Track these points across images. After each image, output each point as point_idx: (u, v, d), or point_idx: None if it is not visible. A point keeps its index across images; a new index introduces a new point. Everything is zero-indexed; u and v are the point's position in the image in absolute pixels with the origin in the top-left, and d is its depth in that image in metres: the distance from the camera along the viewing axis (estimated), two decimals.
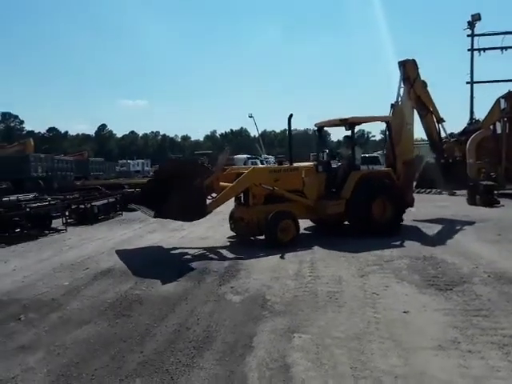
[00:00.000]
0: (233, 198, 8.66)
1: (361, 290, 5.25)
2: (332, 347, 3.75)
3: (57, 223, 11.27)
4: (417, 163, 10.25)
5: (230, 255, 7.40)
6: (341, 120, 9.00)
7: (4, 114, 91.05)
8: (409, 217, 11.02)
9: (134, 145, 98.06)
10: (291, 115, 9.06)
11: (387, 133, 9.66)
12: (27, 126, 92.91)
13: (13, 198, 13.27)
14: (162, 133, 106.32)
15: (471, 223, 9.81)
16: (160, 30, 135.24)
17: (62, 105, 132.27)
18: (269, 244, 7.79)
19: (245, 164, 26.09)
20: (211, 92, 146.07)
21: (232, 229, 8.95)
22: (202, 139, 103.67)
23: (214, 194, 8.17)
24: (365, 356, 3.56)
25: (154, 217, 7.48)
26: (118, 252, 7.89)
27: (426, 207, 12.90)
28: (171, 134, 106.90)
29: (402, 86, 10.27)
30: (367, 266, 6.34)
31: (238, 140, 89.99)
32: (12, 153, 29.90)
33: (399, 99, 10.18)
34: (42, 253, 8.21)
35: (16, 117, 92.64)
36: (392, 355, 3.56)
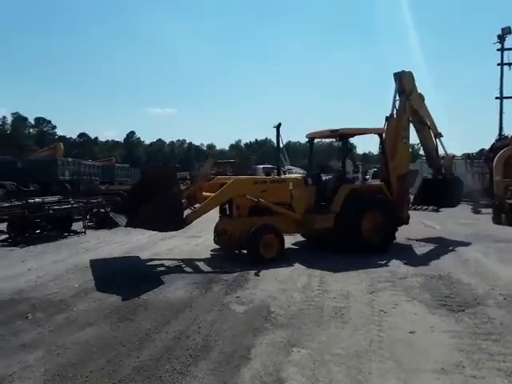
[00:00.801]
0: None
1: (368, 307, 5.12)
2: (330, 364, 3.66)
3: (77, 226, 11.53)
4: (411, 178, 9.74)
5: (242, 264, 7.35)
6: (331, 131, 8.77)
7: (38, 119, 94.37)
8: (430, 234, 10.83)
9: (160, 152, 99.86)
10: (279, 124, 8.83)
11: (380, 146, 9.34)
12: (59, 131, 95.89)
13: (38, 199, 13.70)
14: (188, 141, 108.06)
15: (494, 243, 9.46)
16: (189, 40, 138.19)
17: (93, 111, 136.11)
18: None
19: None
20: (237, 102, 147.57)
21: (215, 242, 8.57)
22: (227, 148, 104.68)
23: (197, 205, 7.90)
24: (362, 375, 3.45)
25: (126, 226, 7.39)
26: (131, 257, 7.99)
27: (448, 224, 12.58)
28: (197, 143, 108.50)
29: (398, 98, 9.93)
30: (378, 283, 6.19)
31: (262, 150, 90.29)
32: (42, 157, 30.98)
33: (394, 112, 9.83)
34: (58, 254, 8.40)
35: (49, 122, 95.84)
36: (390, 376, 3.44)
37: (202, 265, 7.42)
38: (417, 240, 9.97)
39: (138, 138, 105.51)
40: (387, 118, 9.63)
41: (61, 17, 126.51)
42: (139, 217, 6.90)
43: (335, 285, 6.07)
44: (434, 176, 10.91)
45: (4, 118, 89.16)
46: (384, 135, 9.29)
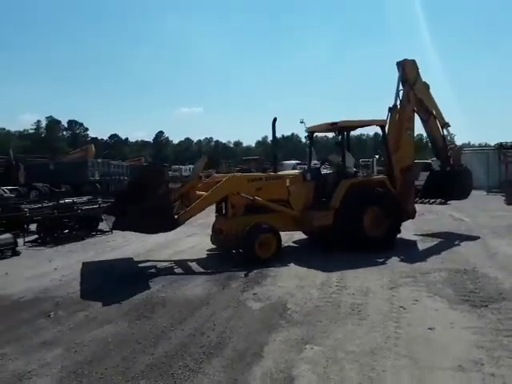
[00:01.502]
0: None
1: (387, 303, 5.01)
2: (343, 361, 3.60)
3: (105, 225, 11.80)
4: (415, 170, 9.27)
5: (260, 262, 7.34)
6: (330, 124, 8.43)
7: (70, 121, 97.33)
8: (458, 227, 10.50)
9: (188, 151, 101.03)
10: (275, 119, 8.48)
11: (382, 138, 9.01)
12: (91, 133, 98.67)
13: (69, 200, 14.14)
14: (215, 139, 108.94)
15: None
16: (215, 39, 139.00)
17: (124, 113, 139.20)
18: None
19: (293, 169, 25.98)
20: (262, 98, 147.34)
21: (212, 241, 8.35)
22: (253, 145, 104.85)
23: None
24: (375, 373, 3.38)
25: (112, 229, 7.15)
26: (152, 255, 8.12)
27: (478, 216, 12.16)
28: (224, 140, 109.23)
29: (401, 88, 9.46)
30: (400, 278, 6.05)
31: (289, 146, 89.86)
32: (74, 158, 31.98)
33: (398, 102, 9.39)
34: (84, 253, 8.63)
35: (81, 124, 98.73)
36: (405, 374, 3.35)
37: (221, 262, 7.44)
38: (443, 233, 9.70)
39: (167, 138, 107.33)
40: (390, 109, 9.23)
41: (89, 21, 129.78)
42: (127, 219, 6.71)
43: (355, 281, 5.96)
44: (442, 168, 10.44)
45: (38, 121, 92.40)
46: (387, 127, 8.94)
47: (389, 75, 9.99)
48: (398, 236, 9.22)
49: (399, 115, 9.21)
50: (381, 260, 7.12)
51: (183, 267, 7.18)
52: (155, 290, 5.81)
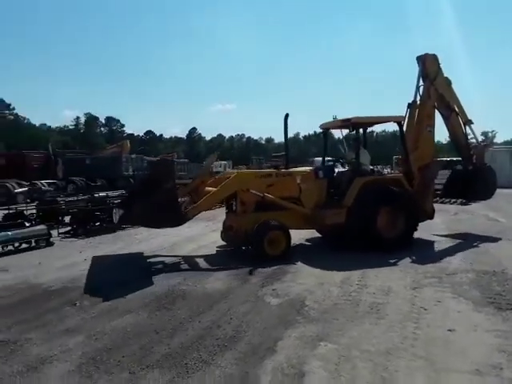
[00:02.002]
0: None
1: (408, 304, 4.90)
2: (356, 360, 3.56)
3: None
4: (433, 169, 8.79)
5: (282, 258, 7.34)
6: (343, 121, 8.22)
7: (108, 118, 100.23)
8: (492, 227, 10.12)
9: (220, 147, 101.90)
10: (287, 115, 8.30)
11: (400, 135, 8.67)
12: (127, 130, 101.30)
13: (102, 194, 14.63)
14: (247, 135, 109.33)
15: None
16: (246, 35, 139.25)
17: (159, 110, 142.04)
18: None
19: None
20: (295, 95, 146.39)
21: (222, 238, 8.25)
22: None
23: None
24: (388, 373, 3.33)
25: (118, 223, 7.19)
26: (175, 249, 8.28)
27: None
28: (256, 137, 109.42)
29: (422, 83, 9.07)
30: (424, 279, 5.90)
31: (321, 142, 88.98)
32: (110, 154, 32.96)
33: (417, 98, 9.00)
34: (113, 245, 8.91)
35: (118, 121, 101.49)
36: (419, 375, 3.28)
37: (243, 257, 7.47)
38: (476, 234, 9.37)
39: (199, 134, 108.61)
40: (409, 105, 8.88)
41: (125, 19, 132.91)
42: (133, 213, 6.78)
43: (376, 280, 5.87)
44: (464, 166, 10.00)
45: (78, 118, 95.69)
46: (406, 123, 8.62)
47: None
48: (426, 235, 9.04)
49: (419, 111, 8.90)
50: (405, 260, 6.97)
51: (205, 262, 7.27)
52: (176, 282, 5.93)
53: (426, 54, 9.13)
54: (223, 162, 41.54)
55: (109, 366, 3.54)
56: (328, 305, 4.92)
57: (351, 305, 4.90)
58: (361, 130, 9.04)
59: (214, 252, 8.02)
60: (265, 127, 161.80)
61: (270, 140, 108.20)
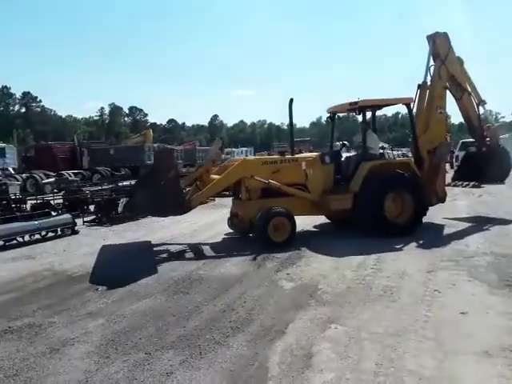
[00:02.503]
0: None
1: (422, 287, 4.90)
2: (365, 341, 3.61)
3: None
4: (442, 151, 8.46)
5: (298, 242, 7.39)
6: (350, 104, 8.01)
7: (131, 108, 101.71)
8: None
9: (242, 133, 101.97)
10: (292, 100, 8.14)
11: (409, 117, 8.42)
12: (150, 119, 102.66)
13: (126, 183, 14.98)
14: (268, 121, 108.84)
15: None
16: (265, 19, 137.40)
17: (181, 98, 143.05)
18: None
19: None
20: (316, 78, 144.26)
21: (228, 225, 8.29)
22: (307, 126, 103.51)
23: None
24: (396, 354, 3.37)
25: (122, 212, 7.30)
26: (195, 236, 8.45)
27: None
28: (277, 122, 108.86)
29: (432, 63, 8.73)
30: (441, 262, 5.86)
31: (344, 126, 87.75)
32: (134, 143, 33.52)
33: (428, 79, 8.67)
34: (136, 232, 9.17)
35: (141, 110, 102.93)
36: (426, 356, 3.31)
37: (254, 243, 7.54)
38: (498, 216, 9.16)
39: (221, 121, 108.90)
40: (419, 86, 8.58)
41: (147, 11, 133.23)
42: (137, 202, 6.91)
43: (392, 264, 5.87)
44: (478, 148, 9.69)
45: (102, 108, 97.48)
46: (415, 105, 8.41)
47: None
48: (446, 218, 8.94)
49: (429, 92, 8.63)
50: (423, 243, 6.93)
51: (222, 247, 7.41)
52: (194, 268, 6.09)
53: (437, 33, 8.82)
54: (244, 149, 41.69)
55: (126, 348, 3.72)
56: (341, 288, 4.97)
57: (364, 288, 4.93)
58: (370, 114, 8.90)
59: (228, 238, 8.13)
60: (286, 112, 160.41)
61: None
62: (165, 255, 7.04)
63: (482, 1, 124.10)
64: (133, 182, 14.65)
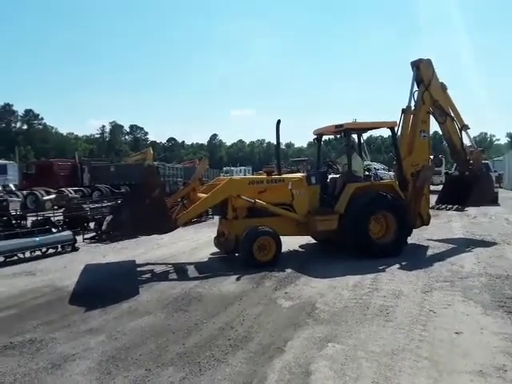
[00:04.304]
0: None
1: (417, 307, 4.98)
2: (362, 360, 3.69)
3: None
4: (425, 173, 8.56)
5: (296, 261, 7.49)
6: (336, 126, 8.17)
7: (132, 126, 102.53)
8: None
9: (241, 152, 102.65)
10: (279, 121, 8.25)
11: (393, 140, 8.67)
12: (151, 137, 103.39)
13: None
14: (267, 140, 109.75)
15: None
16: (266, 40, 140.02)
17: (181, 117, 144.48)
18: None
19: None
20: (314, 99, 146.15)
21: (215, 244, 8.30)
22: (305, 146, 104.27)
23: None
24: (392, 372, 3.44)
25: (106, 231, 7.46)
26: (195, 254, 8.53)
27: None
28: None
29: (416, 89, 9.01)
30: (436, 282, 5.95)
31: (341, 146, 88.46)
32: (134, 161, 33.70)
33: (412, 104, 8.93)
34: (135, 250, 9.23)
35: (142, 129, 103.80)
36: (421, 375, 3.38)
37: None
38: (493, 237, 9.30)
39: (220, 140, 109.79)
40: (404, 111, 8.81)
41: (145, 29, 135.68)
42: (122, 220, 6.87)
43: (388, 283, 5.96)
44: (461, 172, 9.90)
45: (103, 126, 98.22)
46: (400, 129, 8.61)
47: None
48: (441, 239, 9.05)
49: (413, 117, 8.86)
50: (419, 263, 7.01)
51: (220, 265, 7.49)
52: (193, 285, 6.16)
53: (420, 59, 9.08)
54: (243, 168, 41.93)
55: (126, 364, 3.78)
56: (338, 307, 5.05)
57: (361, 307, 5.01)
58: (355, 136, 9.06)
59: (231, 256, 8.20)
60: (285, 132, 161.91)
61: (290, 145, 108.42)
62: (163, 273, 7.11)
63: (482, 26, 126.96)
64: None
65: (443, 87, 9.14)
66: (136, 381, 3.46)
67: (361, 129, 8.98)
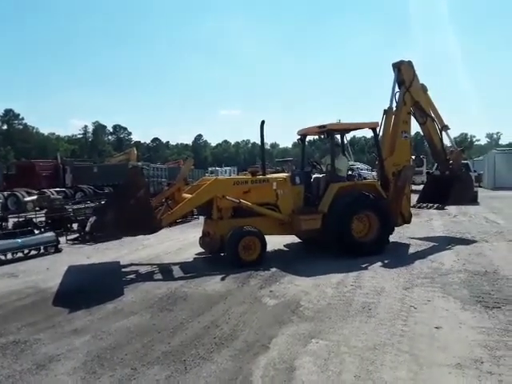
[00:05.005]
0: None
1: (399, 303, 5.10)
2: (344, 355, 3.77)
3: None
4: (406, 173, 8.75)
5: (281, 260, 7.57)
6: (319, 127, 8.30)
7: (115, 126, 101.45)
8: (490, 229, 10.25)
9: (226, 152, 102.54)
10: (263, 122, 8.33)
11: (374, 141, 8.88)
12: (134, 137, 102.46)
13: None
14: (252, 141, 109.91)
15: None
16: (252, 40, 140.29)
17: (165, 117, 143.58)
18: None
19: None
20: (300, 100, 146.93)
21: (200, 244, 8.30)
22: (290, 146, 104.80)
23: None
24: (374, 366, 3.53)
25: (90, 231, 7.41)
26: (181, 254, 8.54)
27: None
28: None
29: (397, 90, 9.22)
30: (417, 279, 6.10)
31: (326, 147, 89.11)
32: (118, 161, 33.40)
33: (393, 105, 9.13)
34: (119, 251, 9.18)
35: (125, 129, 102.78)
36: (402, 368, 3.49)
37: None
38: (472, 235, 9.53)
39: (205, 141, 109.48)
40: (385, 111, 9.00)
41: (130, 28, 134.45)
42: (105, 221, 6.82)
43: (371, 281, 6.08)
44: (441, 171, 10.16)
45: (86, 126, 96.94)
46: (381, 130, 8.81)
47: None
48: (424, 237, 9.22)
49: (395, 117, 9.06)
50: (400, 261, 7.17)
51: (206, 265, 7.52)
52: (179, 285, 6.17)
53: (402, 61, 9.25)
54: (228, 168, 41.93)
55: (112, 363, 3.79)
56: (322, 305, 5.14)
57: (344, 304, 5.11)
58: (338, 137, 9.19)
59: (217, 256, 8.24)
60: (270, 133, 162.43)
61: (274, 145, 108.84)
62: (149, 273, 7.10)
63: (471, 27, 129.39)
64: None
65: (424, 88, 9.34)
66: (122, 379, 3.48)
67: (343, 129, 9.12)
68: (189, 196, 7.72)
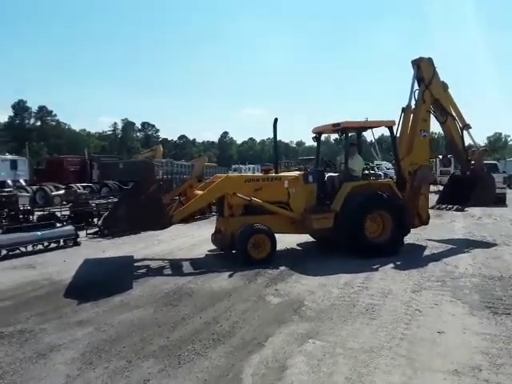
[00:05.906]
0: None
1: (404, 306, 4.99)
2: (339, 356, 3.72)
3: None
4: (423, 173, 8.46)
5: (291, 259, 7.52)
6: (333, 125, 8.16)
7: (143, 123, 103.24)
8: None
9: (251, 150, 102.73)
10: (276, 120, 8.27)
11: (391, 139, 8.59)
12: (162, 134, 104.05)
13: None
14: (277, 139, 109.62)
15: None
16: (280, 40, 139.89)
17: (193, 115, 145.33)
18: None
19: None
20: (325, 98, 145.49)
21: (212, 241, 8.32)
22: (315, 145, 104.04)
23: None
24: (367, 369, 3.47)
25: (101, 226, 7.45)
26: (194, 250, 8.62)
27: None
28: (286, 140, 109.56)
29: (417, 87, 8.92)
30: (427, 282, 5.94)
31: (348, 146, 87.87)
32: (144, 158, 34.01)
33: (412, 103, 8.84)
34: (135, 245, 9.35)
35: (153, 126, 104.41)
36: (396, 373, 3.41)
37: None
38: (493, 238, 9.20)
39: (231, 138, 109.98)
40: (403, 109, 8.74)
41: (158, 28, 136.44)
42: (117, 216, 7.03)
43: (379, 282, 5.96)
44: (462, 172, 9.78)
45: (115, 123, 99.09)
46: (399, 128, 8.55)
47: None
48: (443, 238, 8.99)
49: (413, 116, 8.79)
50: (413, 263, 7.00)
51: (216, 262, 7.56)
52: (186, 281, 6.24)
53: (421, 58, 8.99)
54: (251, 166, 41.99)
55: (109, 355, 3.87)
56: (325, 305, 5.08)
57: (347, 305, 5.04)
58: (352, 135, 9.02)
59: (228, 253, 8.27)
60: (296, 131, 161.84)
61: (301, 143, 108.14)
62: (159, 268, 7.21)
63: (496, 25, 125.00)
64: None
65: (444, 86, 9.05)
66: (116, 371, 3.55)
67: (358, 127, 8.94)
68: (200, 193, 7.78)
